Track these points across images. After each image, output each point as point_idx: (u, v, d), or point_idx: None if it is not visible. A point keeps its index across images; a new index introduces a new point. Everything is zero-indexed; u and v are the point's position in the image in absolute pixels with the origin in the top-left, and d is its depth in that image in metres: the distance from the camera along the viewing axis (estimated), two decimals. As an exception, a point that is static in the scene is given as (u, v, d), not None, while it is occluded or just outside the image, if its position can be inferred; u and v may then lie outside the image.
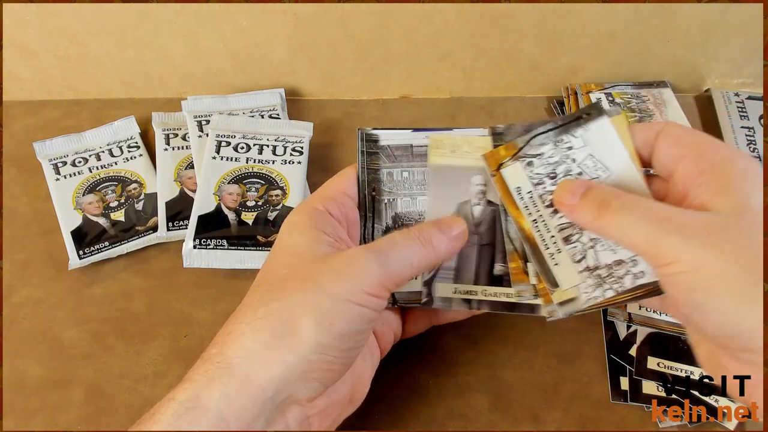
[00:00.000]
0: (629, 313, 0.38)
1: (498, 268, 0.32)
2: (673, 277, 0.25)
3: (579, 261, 0.30)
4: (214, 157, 0.45)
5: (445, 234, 0.30)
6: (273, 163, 0.45)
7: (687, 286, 0.25)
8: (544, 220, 0.30)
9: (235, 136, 0.46)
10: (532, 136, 0.32)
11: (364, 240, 0.34)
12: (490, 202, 0.33)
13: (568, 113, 0.32)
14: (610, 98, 0.50)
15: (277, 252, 0.30)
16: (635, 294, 0.29)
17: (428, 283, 0.32)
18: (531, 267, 0.31)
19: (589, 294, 0.29)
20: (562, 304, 0.30)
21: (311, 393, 0.27)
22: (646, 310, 0.38)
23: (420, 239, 0.29)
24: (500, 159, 0.32)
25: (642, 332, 0.38)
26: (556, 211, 0.30)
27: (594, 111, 0.31)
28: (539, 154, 0.31)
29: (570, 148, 0.31)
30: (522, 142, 0.31)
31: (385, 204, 0.34)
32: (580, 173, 0.30)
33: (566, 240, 0.30)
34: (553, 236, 0.30)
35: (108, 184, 0.46)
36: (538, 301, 0.31)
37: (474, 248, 0.33)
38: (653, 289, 0.28)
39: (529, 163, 0.31)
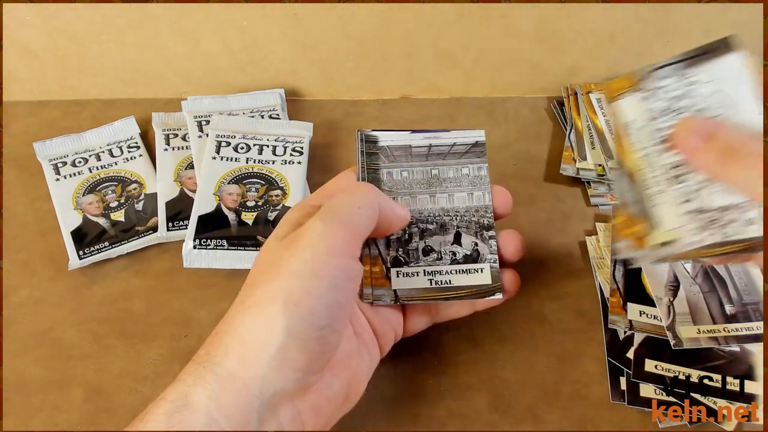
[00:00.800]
0: (630, 320, 0.38)
1: (728, 309, 0.38)
2: None
3: (686, 202, 0.28)
4: (214, 158, 0.45)
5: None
6: (273, 163, 0.45)
7: None
8: (655, 156, 0.29)
9: (235, 137, 0.46)
10: (656, 68, 0.30)
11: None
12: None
13: (694, 48, 0.30)
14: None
15: (261, 250, 0.30)
16: (736, 247, 0.27)
17: (671, 328, 0.37)
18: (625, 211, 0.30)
19: (691, 237, 0.28)
20: (662, 245, 0.28)
21: (298, 385, 0.27)
22: (647, 317, 0.38)
23: (358, 186, 0.30)
24: (620, 89, 0.31)
25: (640, 334, 0.38)
26: (669, 149, 0.29)
27: (723, 46, 0.29)
28: (661, 87, 0.30)
29: (693, 83, 0.29)
30: (643, 74, 0.30)
31: None
32: (704, 108, 0.29)
33: (675, 179, 0.28)
34: (661, 174, 0.29)
35: (108, 184, 0.46)
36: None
37: (700, 296, 0.38)
38: (754, 245, 0.27)
39: (648, 96, 0.30)
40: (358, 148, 0.35)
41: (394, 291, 0.33)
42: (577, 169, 0.46)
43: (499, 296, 0.33)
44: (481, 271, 0.34)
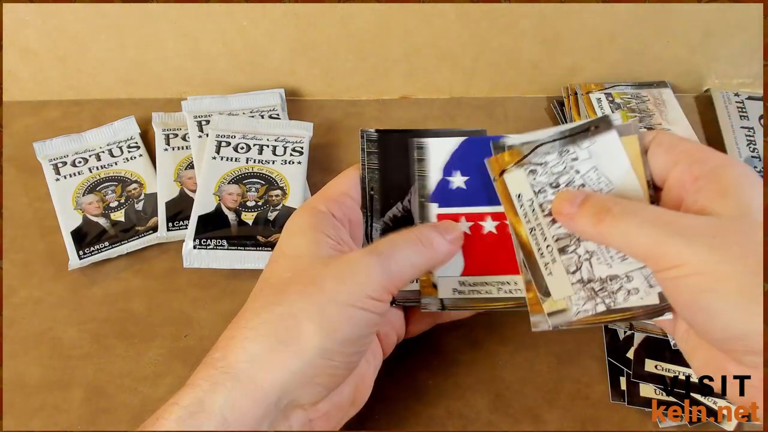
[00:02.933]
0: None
1: None
2: (678, 280, 0.25)
3: (573, 272, 0.30)
4: (214, 157, 0.45)
5: (443, 236, 0.30)
6: (273, 163, 0.45)
7: (693, 288, 0.25)
8: (542, 229, 0.31)
9: (235, 137, 0.46)
10: (538, 145, 0.31)
11: (366, 238, 0.34)
12: None
13: (577, 123, 0.31)
14: (610, 98, 0.50)
15: (278, 255, 0.30)
16: (625, 315, 0.29)
17: None
18: (521, 277, 0.31)
19: (579, 306, 0.29)
20: (552, 314, 0.30)
21: (315, 397, 0.27)
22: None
23: (420, 240, 0.30)
24: (504, 165, 0.32)
25: (639, 335, 0.37)
26: (554, 221, 0.30)
27: (603, 124, 0.31)
28: (543, 163, 0.31)
29: (575, 159, 0.31)
30: (527, 150, 0.31)
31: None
32: (582, 185, 0.30)
33: (562, 251, 0.30)
34: (549, 246, 0.30)
35: (108, 184, 0.46)
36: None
37: None
38: (644, 312, 0.29)
39: (532, 171, 0.31)
40: (361, 146, 0.35)
41: (441, 300, 0.33)
42: (577, 169, 0.46)
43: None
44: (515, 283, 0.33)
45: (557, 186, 0.31)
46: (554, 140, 0.31)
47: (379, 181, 0.34)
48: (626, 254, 0.29)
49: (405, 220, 0.34)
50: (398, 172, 0.34)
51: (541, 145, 0.31)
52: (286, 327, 0.26)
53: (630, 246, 0.27)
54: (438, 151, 0.34)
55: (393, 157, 0.35)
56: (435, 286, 0.33)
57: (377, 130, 0.35)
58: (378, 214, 0.34)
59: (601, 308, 0.29)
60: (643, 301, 0.29)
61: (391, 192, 0.34)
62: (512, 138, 0.32)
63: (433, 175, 0.33)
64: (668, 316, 0.29)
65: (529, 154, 0.31)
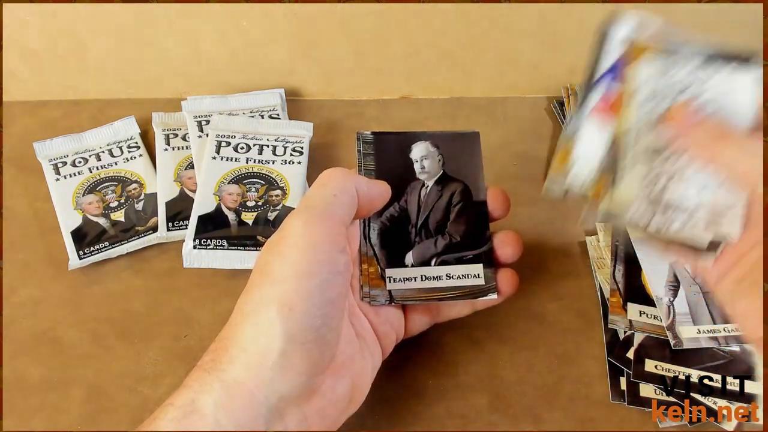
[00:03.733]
0: (630, 320, 0.38)
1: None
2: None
3: (647, 183, 0.30)
4: (214, 158, 0.45)
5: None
6: (273, 163, 0.45)
7: None
8: (643, 129, 0.31)
9: (235, 137, 0.46)
10: (687, 45, 0.32)
11: (364, 238, 0.34)
12: None
13: (723, 49, 0.32)
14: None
15: None
16: (674, 242, 0.30)
17: (671, 328, 0.37)
18: (588, 176, 0.31)
19: (636, 215, 0.30)
20: (609, 209, 0.30)
21: (302, 389, 0.27)
22: (647, 317, 0.38)
23: (324, 175, 0.30)
24: (639, 55, 0.32)
25: (639, 335, 0.38)
26: (659, 127, 0.30)
27: (749, 60, 0.31)
28: (681, 67, 0.31)
29: (707, 80, 0.31)
30: (668, 50, 0.32)
31: None
32: (703, 104, 0.31)
33: (649, 157, 0.30)
34: (639, 146, 0.30)
35: (108, 184, 0.46)
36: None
37: (700, 296, 0.38)
38: (691, 249, 0.30)
39: (662, 73, 0.31)
40: (358, 150, 0.35)
41: (389, 291, 0.33)
42: (577, 169, 0.46)
43: (493, 296, 0.34)
44: (476, 271, 0.34)
45: (681, 94, 0.31)
46: (701, 51, 0.31)
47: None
48: (726, 174, 0.29)
49: (401, 220, 0.34)
50: (394, 173, 0.35)
51: (687, 51, 0.31)
52: (253, 324, 0.27)
53: (737, 174, 0.29)
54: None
55: (389, 158, 0.35)
56: (383, 279, 0.33)
57: (373, 132, 0.36)
58: (375, 214, 0.34)
59: (654, 227, 0.30)
60: (693, 240, 0.30)
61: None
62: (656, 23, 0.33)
63: (606, 63, 0.33)
64: (710, 258, 0.30)
65: (672, 52, 0.32)
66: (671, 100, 0.31)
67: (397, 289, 0.33)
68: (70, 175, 0.46)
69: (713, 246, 0.29)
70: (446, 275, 0.34)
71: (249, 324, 0.27)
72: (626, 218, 0.30)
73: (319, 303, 0.27)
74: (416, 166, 0.35)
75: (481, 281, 0.34)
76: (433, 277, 0.33)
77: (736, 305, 0.29)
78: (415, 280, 0.33)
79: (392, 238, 0.34)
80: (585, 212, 0.31)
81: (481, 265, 0.34)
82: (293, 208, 0.43)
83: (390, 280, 0.33)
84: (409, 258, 0.34)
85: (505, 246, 0.34)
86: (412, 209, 0.35)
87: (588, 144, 0.31)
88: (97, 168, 0.46)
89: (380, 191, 0.33)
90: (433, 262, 0.34)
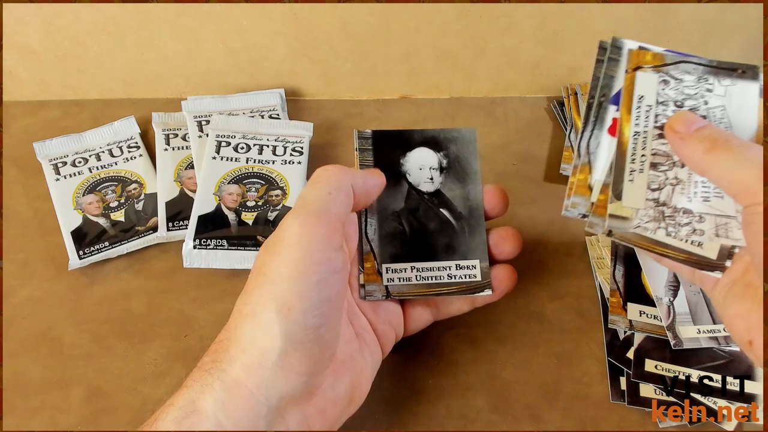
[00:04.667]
0: (630, 320, 0.38)
1: None
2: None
3: (653, 190, 0.30)
4: (214, 157, 0.45)
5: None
6: (273, 163, 0.45)
7: None
8: (645, 137, 0.30)
9: (235, 136, 0.46)
10: (684, 60, 0.31)
11: (362, 233, 0.34)
12: None
13: (726, 61, 0.32)
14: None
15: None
16: (679, 255, 0.29)
17: (671, 328, 0.36)
18: (597, 181, 0.31)
19: (642, 222, 0.30)
20: (613, 217, 0.30)
21: (303, 389, 0.27)
22: (647, 317, 0.38)
23: (318, 173, 0.30)
24: (642, 62, 0.32)
25: (639, 335, 0.38)
26: (661, 136, 0.30)
27: (751, 72, 0.31)
28: (679, 79, 0.31)
29: (709, 91, 0.31)
30: (671, 59, 0.31)
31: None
32: (704, 116, 0.30)
33: (653, 166, 0.30)
34: (644, 156, 0.30)
35: (108, 184, 0.46)
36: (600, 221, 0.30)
37: (700, 296, 0.38)
38: (698, 261, 0.29)
39: (665, 81, 0.31)
40: (356, 147, 0.35)
41: (386, 286, 0.33)
42: (577, 169, 0.46)
43: (488, 292, 0.34)
44: (472, 267, 0.34)
45: (681, 106, 0.31)
46: (700, 64, 0.31)
47: None
48: (722, 187, 0.29)
49: (398, 216, 0.34)
50: (392, 168, 0.35)
51: (687, 62, 0.31)
52: (252, 325, 0.27)
53: (729, 178, 0.27)
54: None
55: (386, 153, 0.35)
56: (379, 273, 0.33)
57: (372, 131, 0.36)
58: (373, 209, 0.34)
59: (662, 233, 0.29)
60: (700, 249, 0.29)
61: (386, 188, 0.34)
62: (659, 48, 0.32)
63: (619, 80, 0.32)
64: (718, 274, 0.29)
65: (671, 64, 0.31)
66: (673, 109, 0.31)
67: (394, 284, 0.33)
68: (70, 175, 0.46)
69: (722, 256, 0.29)
70: (443, 270, 0.34)
71: (248, 325, 0.27)
72: (633, 225, 0.30)
73: (317, 302, 0.27)
74: (420, 174, 0.35)
75: (477, 277, 0.34)
76: (430, 272, 0.33)
77: (727, 309, 0.29)
78: (412, 275, 0.33)
79: (390, 233, 0.34)
80: (591, 217, 0.30)
81: (477, 261, 0.34)
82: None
83: (386, 273, 0.33)
84: (406, 252, 0.34)
85: (504, 242, 0.35)
86: (409, 216, 0.35)
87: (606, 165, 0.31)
88: (97, 168, 0.46)
89: (375, 183, 0.33)
90: (429, 257, 0.34)
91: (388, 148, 0.36)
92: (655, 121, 0.31)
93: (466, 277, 0.34)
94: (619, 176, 0.30)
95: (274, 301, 0.26)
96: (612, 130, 0.31)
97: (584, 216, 0.31)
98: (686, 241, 0.29)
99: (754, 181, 0.26)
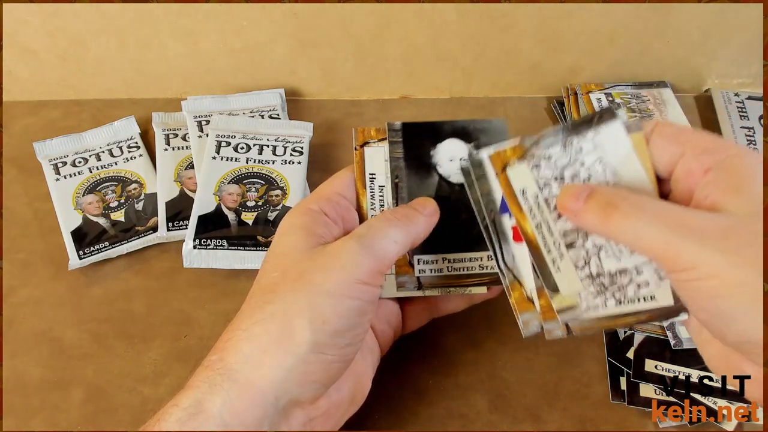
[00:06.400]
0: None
1: None
2: (692, 283, 0.24)
3: (582, 268, 0.29)
4: (214, 157, 0.45)
5: (419, 211, 0.31)
6: (273, 163, 0.45)
7: (707, 292, 0.23)
8: (548, 224, 0.30)
9: (235, 136, 0.46)
10: (541, 137, 0.31)
11: None
12: None
13: (581, 116, 0.31)
14: (610, 98, 0.50)
15: (269, 255, 0.30)
16: (639, 318, 0.28)
17: (671, 328, 0.36)
18: (531, 290, 0.30)
19: (589, 302, 0.29)
20: (561, 311, 0.29)
21: (313, 394, 0.27)
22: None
23: (396, 217, 0.30)
24: (506, 159, 0.31)
25: (639, 335, 0.38)
26: (560, 216, 0.29)
27: (607, 114, 0.30)
28: (547, 156, 0.30)
29: (579, 151, 0.30)
30: (530, 143, 0.31)
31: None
32: (588, 177, 0.29)
33: (569, 246, 0.29)
34: (556, 241, 0.29)
35: (108, 184, 0.46)
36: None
37: None
38: (659, 315, 0.28)
39: (536, 166, 0.30)
40: (387, 139, 0.35)
41: (418, 278, 0.33)
42: (577, 169, 0.46)
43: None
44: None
45: (562, 179, 0.30)
46: (558, 133, 0.30)
47: (404, 169, 0.34)
48: (636, 252, 0.28)
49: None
50: (422, 160, 0.34)
51: (545, 137, 0.30)
52: (278, 325, 0.27)
53: (640, 245, 0.26)
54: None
55: (416, 145, 0.34)
56: (411, 265, 0.33)
57: (402, 123, 0.35)
58: (404, 201, 0.34)
59: (612, 303, 0.29)
60: (655, 301, 0.28)
61: (417, 179, 0.34)
62: (511, 141, 0.31)
63: (497, 190, 0.31)
64: (683, 316, 0.28)
65: (531, 146, 0.30)
66: (558, 186, 0.29)
67: (426, 276, 0.33)
68: (70, 175, 0.46)
69: (677, 298, 0.28)
70: (474, 261, 0.33)
71: (273, 324, 0.27)
72: (582, 309, 0.29)
73: (352, 325, 0.28)
74: (450, 165, 0.34)
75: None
76: (462, 263, 0.33)
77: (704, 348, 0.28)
78: (443, 267, 0.33)
79: None
80: (545, 325, 0.29)
81: None
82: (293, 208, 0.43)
83: (418, 265, 0.33)
84: (438, 244, 0.33)
85: None
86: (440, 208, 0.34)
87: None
88: (97, 168, 0.46)
89: (427, 232, 0.32)
90: (461, 249, 0.34)
91: (418, 140, 0.35)
92: (548, 205, 0.30)
93: (497, 267, 0.33)
94: (546, 272, 0.29)
95: (311, 310, 0.27)
96: (516, 237, 0.31)
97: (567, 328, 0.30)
98: (638, 300, 0.28)
99: (658, 246, 0.24)
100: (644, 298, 0.28)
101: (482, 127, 0.35)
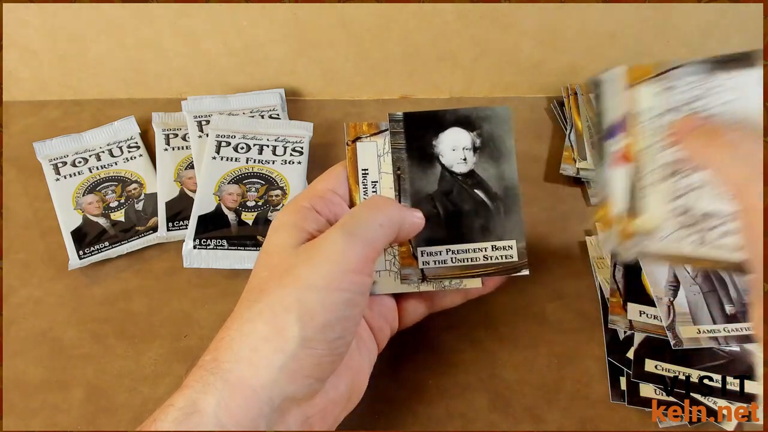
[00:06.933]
0: (630, 320, 0.38)
1: (728, 309, 0.38)
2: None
3: (674, 200, 0.29)
4: (214, 157, 0.45)
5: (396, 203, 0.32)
6: (273, 163, 0.45)
7: None
8: (654, 151, 0.30)
9: (235, 136, 0.46)
10: (685, 63, 0.31)
11: None
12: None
13: (725, 54, 0.31)
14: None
15: (260, 255, 0.30)
16: (718, 265, 0.29)
17: (671, 328, 0.37)
18: (616, 207, 0.30)
19: (669, 231, 0.29)
20: (640, 235, 0.29)
21: (307, 391, 0.27)
22: (647, 317, 0.38)
23: (377, 201, 0.30)
24: (642, 76, 0.31)
25: (639, 335, 0.38)
26: (671, 145, 0.30)
27: (750, 59, 0.30)
28: (685, 82, 0.31)
29: (716, 87, 0.30)
30: (670, 66, 0.31)
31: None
32: (715, 114, 0.30)
33: (669, 176, 0.29)
34: (654, 169, 0.30)
35: (108, 184, 0.46)
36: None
37: (700, 296, 0.38)
38: (731, 267, 0.28)
39: (670, 88, 0.30)
40: (389, 130, 0.34)
41: (421, 270, 0.33)
42: (577, 169, 0.46)
43: (525, 272, 0.34)
44: (509, 247, 0.34)
45: (690, 109, 0.30)
46: (701, 62, 0.31)
47: (406, 160, 0.34)
48: (718, 180, 0.28)
49: (432, 199, 0.34)
50: (424, 150, 0.34)
51: (689, 64, 0.31)
52: (267, 323, 0.27)
53: (729, 180, 0.26)
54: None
55: (418, 136, 0.34)
56: (415, 257, 0.33)
57: (404, 113, 0.35)
58: (406, 193, 0.34)
59: (692, 240, 0.29)
60: (737, 253, 0.28)
61: (419, 170, 0.34)
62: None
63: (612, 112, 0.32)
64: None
65: (668, 71, 0.31)
66: (679, 114, 0.30)
67: (429, 267, 0.33)
68: (70, 175, 0.46)
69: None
70: (478, 252, 0.33)
71: (262, 323, 0.27)
72: (661, 238, 0.29)
73: (341, 318, 0.27)
74: (453, 155, 0.34)
75: (514, 258, 0.33)
76: (465, 254, 0.33)
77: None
78: (447, 258, 0.33)
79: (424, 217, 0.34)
80: (614, 243, 0.30)
81: (514, 241, 0.33)
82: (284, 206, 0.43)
83: (422, 256, 0.33)
84: (441, 235, 0.33)
85: None
86: (443, 199, 0.34)
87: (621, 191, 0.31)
88: (97, 168, 0.46)
89: (417, 226, 0.32)
90: (465, 239, 0.34)
91: (420, 130, 0.34)
92: (663, 131, 0.30)
93: (502, 258, 0.33)
94: (637, 194, 0.30)
95: (298, 305, 0.26)
96: (621, 158, 0.31)
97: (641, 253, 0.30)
98: (719, 247, 0.29)
99: (744, 183, 0.25)
100: (727, 248, 0.28)
101: (485, 115, 0.35)
